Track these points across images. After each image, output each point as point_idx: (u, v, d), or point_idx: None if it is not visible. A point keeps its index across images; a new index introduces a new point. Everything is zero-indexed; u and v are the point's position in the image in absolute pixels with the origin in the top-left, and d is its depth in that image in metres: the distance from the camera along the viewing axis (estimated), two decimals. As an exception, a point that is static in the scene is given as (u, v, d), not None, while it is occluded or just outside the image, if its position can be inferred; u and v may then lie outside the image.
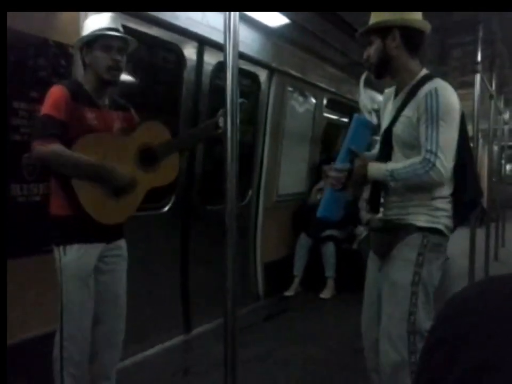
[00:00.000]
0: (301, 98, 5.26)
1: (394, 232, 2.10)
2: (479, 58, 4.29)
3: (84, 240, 2.25)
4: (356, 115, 2.39)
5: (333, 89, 5.72)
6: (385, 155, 2.14)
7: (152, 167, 2.43)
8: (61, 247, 2.22)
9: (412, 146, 2.04)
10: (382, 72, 2.17)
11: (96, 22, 2.31)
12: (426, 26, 2.12)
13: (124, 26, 3.03)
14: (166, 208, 3.68)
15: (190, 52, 3.71)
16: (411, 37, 2.09)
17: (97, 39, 2.27)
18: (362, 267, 5.01)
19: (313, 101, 5.48)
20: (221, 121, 2.50)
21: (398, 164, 2.03)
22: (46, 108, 2.17)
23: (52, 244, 2.26)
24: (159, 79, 3.93)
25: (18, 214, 2.46)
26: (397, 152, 2.11)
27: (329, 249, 5.11)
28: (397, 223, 2.11)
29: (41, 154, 2.15)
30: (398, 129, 2.08)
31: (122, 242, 2.47)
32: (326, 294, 4.98)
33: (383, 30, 2.08)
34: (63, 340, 2.23)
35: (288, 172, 5.16)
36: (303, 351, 3.58)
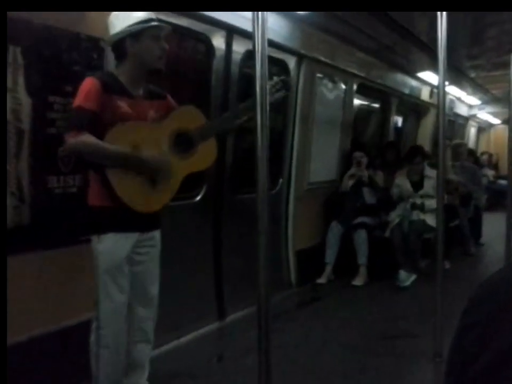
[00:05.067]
0: (330, 85, 5.19)
1: None
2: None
3: (117, 229, 2.28)
4: None
5: (363, 75, 5.64)
6: None
7: (188, 153, 2.42)
8: (96, 236, 2.28)
9: None
10: None
11: (134, 13, 2.32)
12: None
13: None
14: (198, 198, 3.72)
15: (219, 41, 3.72)
16: None
17: (145, 29, 2.31)
18: (394, 254, 5.03)
19: (343, 87, 5.42)
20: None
21: None
22: (77, 100, 2.21)
23: (90, 233, 2.31)
24: (189, 69, 3.95)
25: (55, 205, 2.53)
26: None
27: (361, 237, 5.08)
28: None
29: (73, 146, 2.18)
30: None
31: (157, 233, 2.48)
32: (358, 281, 4.95)
33: None
34: (101, 328, 2.29)
35: (319, 160, 5.12)
36: (336, 338, 3.58)
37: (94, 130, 2.19)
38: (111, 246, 2.27)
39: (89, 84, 2.22)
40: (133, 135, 2.30)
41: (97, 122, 2.21)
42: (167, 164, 2.34)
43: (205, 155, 2.48)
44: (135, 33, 2.30)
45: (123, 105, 2.29)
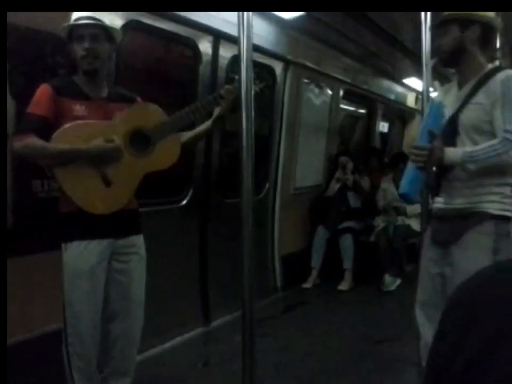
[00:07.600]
0: (317, 90, 5.23)
1: (463, 220, 2.13)
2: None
3: (82, 236, 2.23)
4: (431, 100, 2.51)
5: (349, 81, 5.68)
6: (450, 141, 2.17)
7: (145, 152, 2.30)
8: (63, 244, 2.23)
9: (481, 131, 2.11)
10: (452, 62, 2.29)
11: (74, 14, 2.29)
12: (501, 26, 2.29)
13: (139, 22, 3.07)
14: (184, 202, 3.71)
15: (205, 46, 3.72)
16: (487, 33, 2.22)
17: (72, 31, 2.25)
18: (379, 259, 5.05)
19: (330, 92, 5.45)
20: (224, 92, 2.37)
21: (475, 147, 2.07)
22: (28, 107, 2.19)
23: (59, 241, 2.27)
24: (176, 74, 3.94)
25: (39, 209, 2.50)
26: (463, 138, 2.15)
27: (347, 241, 5.10)
28: (468, 211, 2.13)
29: (17, 149, 2.16)
30: (466, 115, 2.15)
31: (136, 239, 2.41)
32: (344, 285, 4.97)
33: (464, 23, 2.19)
34: (68, 336, 2.27)
35: (305, 164, 5.14)
36: (322, 342, 3.59)
37: (45, 135, 2.15)
38: (75, 254, 2.21)
39: (41, 90, 2.20)
40: (83, 133, 2.22)
41: (50, 127, 2.17)
42: (114, 148, 2.23)
43: (165, 153, 2.34)
44: (65, 36, 2.28)
45: (79, 108, 2.24)
